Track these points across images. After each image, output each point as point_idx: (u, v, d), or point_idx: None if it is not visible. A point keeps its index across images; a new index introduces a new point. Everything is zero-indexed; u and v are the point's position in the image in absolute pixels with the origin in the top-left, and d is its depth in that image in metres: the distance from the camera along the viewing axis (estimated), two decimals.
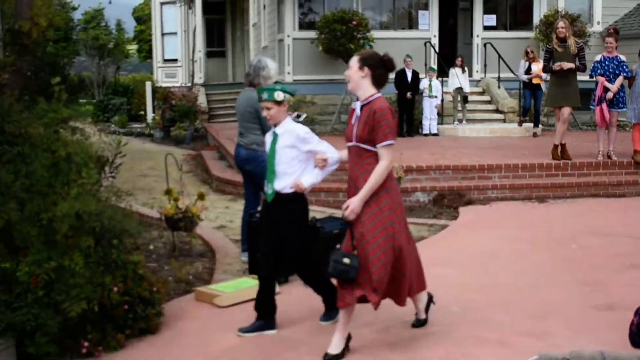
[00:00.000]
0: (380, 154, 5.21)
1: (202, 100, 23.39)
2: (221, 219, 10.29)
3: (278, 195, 5.74)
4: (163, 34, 30.33)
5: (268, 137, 5.92)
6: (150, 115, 24.70)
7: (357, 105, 5.37)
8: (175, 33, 30.04)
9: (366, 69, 5.30)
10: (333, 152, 5.75)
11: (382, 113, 5.17)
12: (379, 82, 5.35)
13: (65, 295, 5.24)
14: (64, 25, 32.67)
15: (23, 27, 7.25)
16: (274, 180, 5.75)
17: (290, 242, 5.76)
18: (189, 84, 25.97)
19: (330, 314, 5.97)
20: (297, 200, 5.77)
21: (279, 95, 5.72)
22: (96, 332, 5.52)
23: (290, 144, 5.71)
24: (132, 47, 47.17)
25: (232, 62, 28.83)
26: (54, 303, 5.24)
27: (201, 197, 8.39)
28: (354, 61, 5.37)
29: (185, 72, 28.81)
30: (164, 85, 27.27)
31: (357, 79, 5.33)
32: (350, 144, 5.37)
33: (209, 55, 28.05)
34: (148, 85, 25.80)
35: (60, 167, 5.65)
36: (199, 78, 25.94)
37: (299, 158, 5.72)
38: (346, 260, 5.17)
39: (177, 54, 30.00)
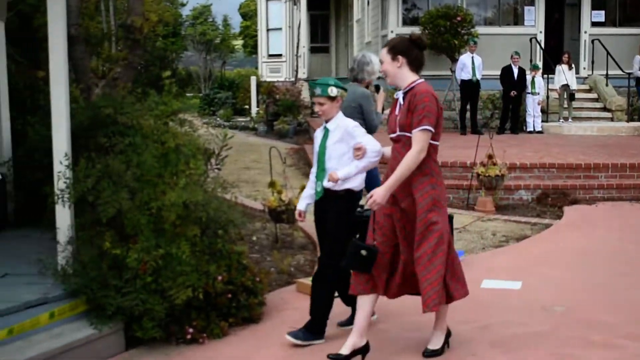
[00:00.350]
0: (413, 138, 4.91)
1: (305, 95, 23.57)
2: None
3: (327, 192, 5.58)
4: (268, 30, 30.66)
5: (319, 133, 5.73)
6: (254, 109, 25.03)
7: (399, 95, 5.13)
8: (280, 29, 30.31)
9: (400, 58, 5.05)
10: (374, 145, 5.45)
11: (420, 97, 4.91)
12: (416, 65, 5.09)
13: (172, 282, 5.38)
14: (173, 21, 33.64)
15: (135, 23, 7.51)
16: (323, 177, 5.58)
17: (333, 236, 5.57)
18: (293, 79, 26.20)
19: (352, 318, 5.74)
20: (346, 198, 5.58)
21: (333, 91, 5.55)
22: (200, 319, 5.64)
23: (339, 139, 5.54)
24: (238, 43, 48.07)
25: (335, 57, 28.96)
26: (161, 289, 5.39)
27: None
28: (384, 54, 5.13)
29: (289, 67, 29.07)
30: (268, 79, 27.57)
31: (394, 71, 5.09)
32: (393, 135, 5.12)
33: (313, 50, 28.27)
34: (253, 80, 26.14)
35: (169, 157, 5.79)
36: (303, 73, 26.14)
37: (348, 154, 5.51)
38: (363, 253, 5.02)
39: (281, 49, 30.27)
